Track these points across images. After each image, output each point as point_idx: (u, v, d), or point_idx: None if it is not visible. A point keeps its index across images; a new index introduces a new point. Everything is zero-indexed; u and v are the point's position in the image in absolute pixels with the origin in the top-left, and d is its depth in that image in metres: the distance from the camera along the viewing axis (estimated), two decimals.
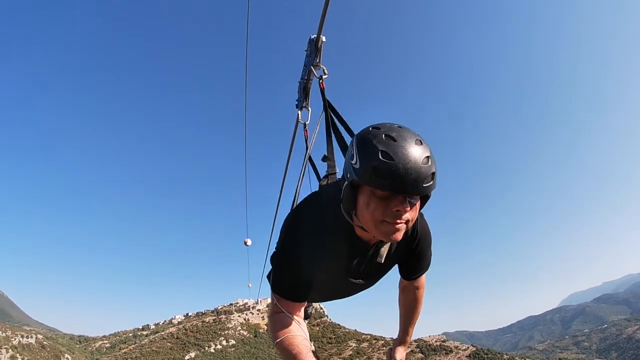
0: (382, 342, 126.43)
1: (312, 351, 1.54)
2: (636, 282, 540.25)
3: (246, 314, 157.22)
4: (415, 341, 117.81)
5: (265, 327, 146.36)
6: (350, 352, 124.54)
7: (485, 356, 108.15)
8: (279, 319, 1.62)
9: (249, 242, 14.89)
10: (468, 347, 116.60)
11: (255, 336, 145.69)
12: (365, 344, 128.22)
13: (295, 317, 1.64)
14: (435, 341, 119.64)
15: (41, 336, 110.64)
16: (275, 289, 1.67)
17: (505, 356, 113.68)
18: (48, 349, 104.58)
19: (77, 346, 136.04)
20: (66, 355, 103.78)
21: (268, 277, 1.87)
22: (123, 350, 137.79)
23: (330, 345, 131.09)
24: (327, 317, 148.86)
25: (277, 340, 1.56)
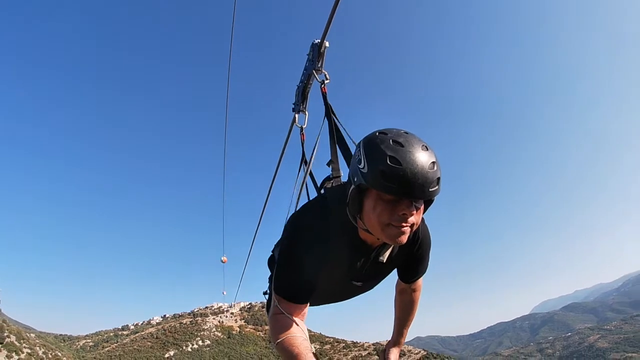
0: (343, 344, 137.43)
1: (313, 352, 1.53)
2: (606, 291, 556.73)
3: (220, 317, 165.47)
4: (372, 344, 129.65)
5: (238, 329, 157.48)
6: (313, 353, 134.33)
7: None
8: (279, 320, 1.62)
9: (225, 260, 15.90)
10: (420, 352, 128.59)
11: (228, 337, 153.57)
12: (327, 346, 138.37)
13: (295, 318, 1.64)
14: None
15: (33, 334, 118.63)
16: (277, 290, 1.67)
17: None
18: (42, 347, 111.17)
19: (62, 344, 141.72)
20: (57, 352, 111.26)
21: (270, 279, 1.92)
22: (106, 349, 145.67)
23: None
24: None
25: (278, 341, 1.54)
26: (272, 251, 2.04)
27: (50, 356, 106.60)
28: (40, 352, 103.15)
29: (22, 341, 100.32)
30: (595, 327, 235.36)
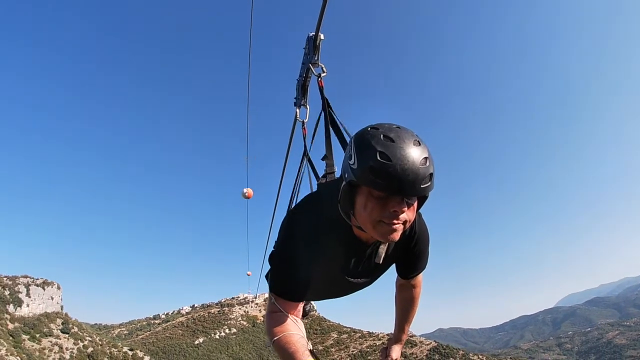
0: (360, 334, 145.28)
1: (310, 350, 1.53)
2: (631, 286, 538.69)
3: (246, 307, 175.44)
4: (387, 334, 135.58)
5: (262, 319, 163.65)
6: (331, 342, 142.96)
7: (444, 351, 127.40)
8: (276, 318, 1.60)
9: (249, 193, 11.03)
10: (431, 342, 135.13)
11: (253, 326, 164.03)
12: (345, 336, 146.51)
13: (292, 316, 1.63)
14: None
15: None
16: (273, 288, 1.65)
17: (460, 352, 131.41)
18: (97, 335, 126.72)
19: (98, 332, 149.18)
20: (92, 337, 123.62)
21: (266, 276, 1.83)
22: (140, 337, 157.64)
23: (315, 335, 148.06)
24: (316, 312, 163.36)
25: (274, 339, 1.54)
26: (274, 248, 1.90)
27: (105, 342, 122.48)
28: (97, 340, 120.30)
29: (82, 331, 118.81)
30: (615, 322, 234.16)
